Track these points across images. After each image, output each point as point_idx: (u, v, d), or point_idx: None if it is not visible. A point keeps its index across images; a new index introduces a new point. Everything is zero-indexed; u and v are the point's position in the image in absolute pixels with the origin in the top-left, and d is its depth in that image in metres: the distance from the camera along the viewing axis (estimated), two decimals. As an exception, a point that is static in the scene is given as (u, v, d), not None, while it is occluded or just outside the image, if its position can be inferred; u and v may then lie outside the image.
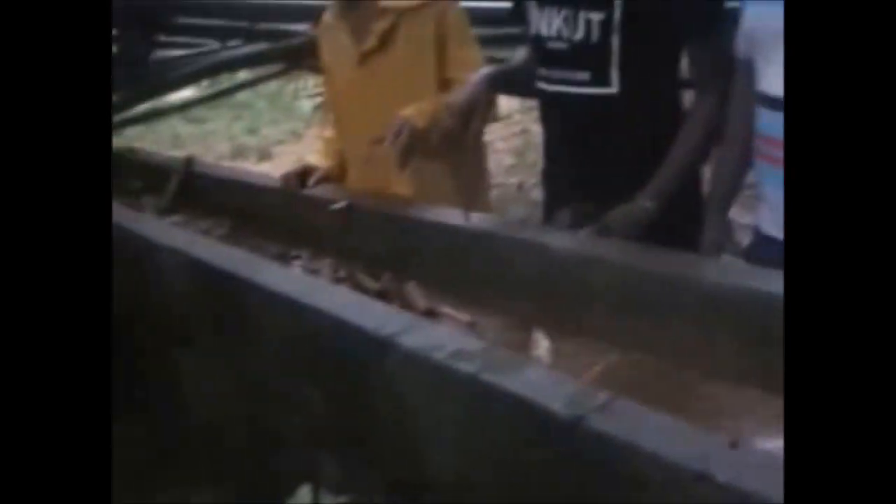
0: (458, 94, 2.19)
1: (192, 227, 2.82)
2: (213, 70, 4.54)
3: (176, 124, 9.60)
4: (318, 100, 9.56)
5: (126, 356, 2.52)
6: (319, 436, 1.79)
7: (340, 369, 1.67)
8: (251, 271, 1.97)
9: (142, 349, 2.38)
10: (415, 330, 1.54)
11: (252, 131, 10.17)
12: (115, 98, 4.43)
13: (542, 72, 2.23)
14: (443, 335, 1.52)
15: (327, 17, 2.81)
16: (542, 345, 1.79)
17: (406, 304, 2.03)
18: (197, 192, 3.14)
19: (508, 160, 7.16)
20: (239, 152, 9.24)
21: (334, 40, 2.75)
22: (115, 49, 4.95)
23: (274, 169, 7.99)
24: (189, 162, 3.21)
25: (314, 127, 9.39)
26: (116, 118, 4.65)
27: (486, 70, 2.28)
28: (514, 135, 7.76)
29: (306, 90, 10.31)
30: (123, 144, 5.22)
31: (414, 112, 2.36)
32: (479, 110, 2.16)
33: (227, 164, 7.52)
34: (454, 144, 2.24)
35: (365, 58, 2.65)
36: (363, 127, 2.64)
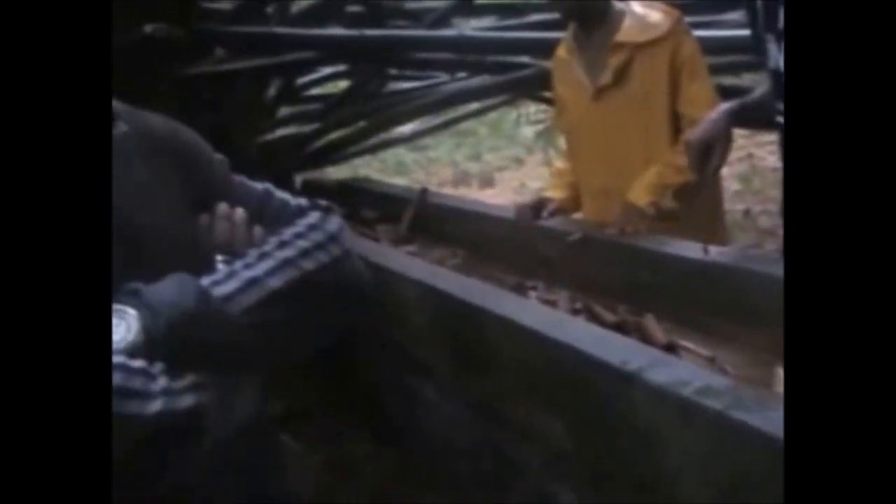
0: (698, 132, 2.17)
1: (427, 257, 2.91)
2: (444, 103, 4.67)
3: (400, 151, 9.88)
4: (541, 127, 9.65)
5: (370, 383, 2.63)
6: (558, 467, 1.81)
7: (582, 402, 1.69)
8: (490, 302, 2.02)
9: (383, 377, 2.47)
10: (660, 365, 1.54)
11: (474, 158, 10.35)
12: (348, 130, 4.62)
13: (782, 106, 2.19)
14: (689, 371, 1.52)
15: (561, 51, 2.85)
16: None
17: (645, 338, 2.03)
18: (431, 221, 3.23)
19: (734, 186, 7.01)
20: (461, 179, 9.42)
21: (569, 74, 2.79)
22: (348, 83, 5.17)
23: (496, 195, 8.15)
24: (424, 192, 3.32)
25: (537, 154, 9.54)
26: (350, 149, 4.85)
27: (725, 106, 2.26)
28: (738, 160, 7.60)
29: (528, 117, 10.42)
30: (352, 174, 5.46)
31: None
32: (718, 148, 2.14)
33: (449, 190, 7.71)
34: (690, 187, 2.23)
35: (600, 92, 2.67)
36: (597, 160, 2.66)
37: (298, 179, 4.32)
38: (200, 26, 3.78)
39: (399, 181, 7.59)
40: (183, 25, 3.59)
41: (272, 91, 4.67)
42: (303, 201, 1.35)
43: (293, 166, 4.38)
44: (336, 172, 5.30)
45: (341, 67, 5.08)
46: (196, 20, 3.78)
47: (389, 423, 2.51)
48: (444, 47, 4.13)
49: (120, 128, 1.25)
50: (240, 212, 1.30)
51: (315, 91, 5.41)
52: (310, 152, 4.59)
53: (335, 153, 4.77)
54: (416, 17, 4.74)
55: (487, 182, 9.22)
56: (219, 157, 1.39)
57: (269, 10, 4.26)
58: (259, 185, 1.38)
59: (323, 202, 1.35)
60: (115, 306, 1.07)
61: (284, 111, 5.13)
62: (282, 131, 4.90)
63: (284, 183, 1.49)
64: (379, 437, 2.42)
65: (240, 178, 1.38)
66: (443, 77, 4.85)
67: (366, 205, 3.58)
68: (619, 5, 2.69)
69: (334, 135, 4.60)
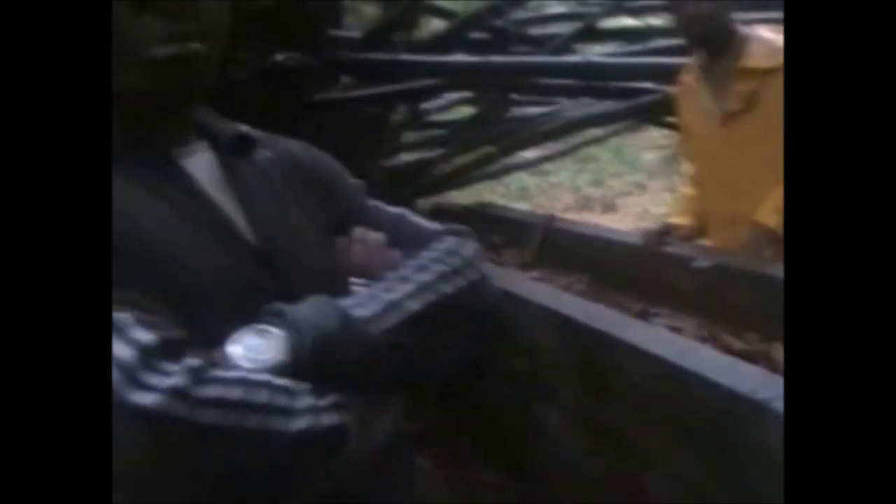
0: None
1: (552, 283, 2.92)
2: (568, 129, 4.67)
3: (523, 176, 9.90)
4: (664, 153, 9.56)
5: (492, 407, 2.64)
6: (687, 497, 1.80)
7: (711, 430, 1.67)
8: (616, 328, 2.02)
9: (507, 401, 2.49)
10: (791, 395, 1.52)
11: (596, 183, 10.30)
12: (472, 156, 4.66)
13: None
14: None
15: (686, 77, 2.83)
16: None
17: (773, 367, 2.00)
18: (556, 247, 3.24)
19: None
20: (583, 204, 9.39)
21: (695, 101, 2.77)
22: (472, 108, 5.22)
23: (619, 221, 8.09)
24: (550, 218, 3.33)
25: (660, 180, 9.44)
26: (475, 174, 4.89)
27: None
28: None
29: (651, 142, 10.34)
30: (475, 198, 5.50)
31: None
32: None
33: (571, 215, 7.69)
34: None
35: (727, 119, 2.65)
36: (725, 186, 2.63)
37: (423, 204, 4.38)
38: (329, 54, 3.87)
39: (521, 206, 7.61)
40: (312, 53, 3.69)
41: (397, 116, 4.74)
42: (439, 225, 1.37)
43: (417, 191, 4.44)
44: (459, 197, 5.35)
45: (465, 93, 5.13)
46: (324, 48, 3.87)
47: (512, 449, 2.52)
48: (569, 73, 4.14)
49: (262, 154, 1.31)
50: (376, 236, 1.33)
51: (439, 116, 5.48)
52: (434, 177, 4.65)
53: (460, 178, 4.82)
54: (539, 43, 4.76)
55: (610, 207, 9.17)
56: (356, 182, 1.43)
57: (396, 37, 4.34)
58: (395, 210, 1.41)
59: (460, 226, 1.37)
60: (260, 326, 1.11)
61: (409, 136, 5.21)
62: (406, 156, 4.98)
63: (409, 208, 1.53)
64: (501, 462, 2.44)
65: (375, 203, 1.42)
66: (567, 102, 4.86)
67: (491, 230, 3.61)
68: (744, 30, 2.66)
69: (459, 160, 4.65)
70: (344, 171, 1.43)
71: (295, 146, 1.40)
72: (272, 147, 1.34)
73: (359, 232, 1.33)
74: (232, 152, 1.29)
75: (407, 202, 3.82)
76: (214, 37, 1.11)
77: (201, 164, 1.24)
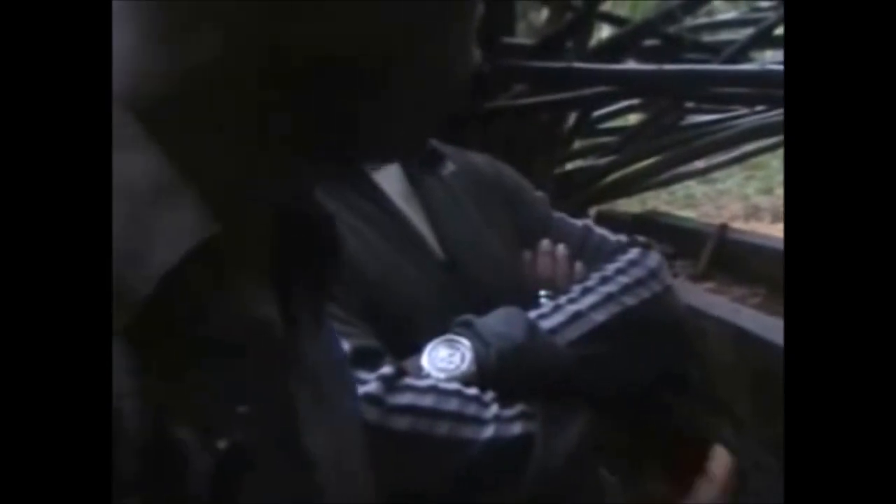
0: None
1: (727, 295, 2.88)
2: (742, 138, 4.59)
3: (690, 184, 9.71)
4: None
5: (665, 422, 2.62)
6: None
7: None
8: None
9: (680, 415, 2.46)
10: None
11: (766, 191, 10.00)
12: (644, 164, 4.62)
13: None
14: None
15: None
16: None
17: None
18: (730, 258, 3.19)
19: None
20: (752, 213, 9.15)
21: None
22: (643, 115, 5.17)
23: (790, 231, 7.81)
24: (724, 228, 3.29)
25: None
26: (645, 182, 4.85)
27: None
28: None
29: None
30: (641, 205, 5.44)
31: None
32: None
33: (739, 224, 7.51)
34: None
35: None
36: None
37: (592, 211, 4.37)
38: (502, 62, 3.91)
39: (688, 214, 7.48)
40: (486, 61, 3.72)
41: (568, 123, 4.75)
42: (623, 238, 1.39)
43: (588, 198, 4.43)
44: (625, 204, 5.31)
45: (635, 100, 5.09)
46: (497, 56, 3.91)
47: (686, 464, 2.50)
48: (744, 82, 4.06)
49: (448, 167, 1.34)
50: (561, 248, 1.36)
51: (609, 124, 5.45)
52: (605, 185, 4.63)
53: (630, 186, 4.79)
54: (713, 50, 4.68)
55: (779, 217, 8.90)
56: (540, 194, 1.46)
57: (569, 45, 4.34)
58: (579, 222, 1.44)
59: (642, 238, 1.38)
60: (449, 336, 1.16)
61: (579, 143, 5.20)
62: (577, 163, 4.97)
63: (580, 215, 1.54)
64: (675, 477, 2.41)
65: (560, 215, 1.44)
66: (741, 110, 4.76)
67: (662, 239, 3.58)
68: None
69: (630, 168, 4.62)
70: (528, 184, 1.46)
71: (479, 159, 1.44)
72: (457, 160, 1.38)
73: (544, 244, 1.36)
74: (419, 166, 1.33)
75: (579, 210, 3.82)
76: None
77: (389, 178, 1.29)
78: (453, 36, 0.61)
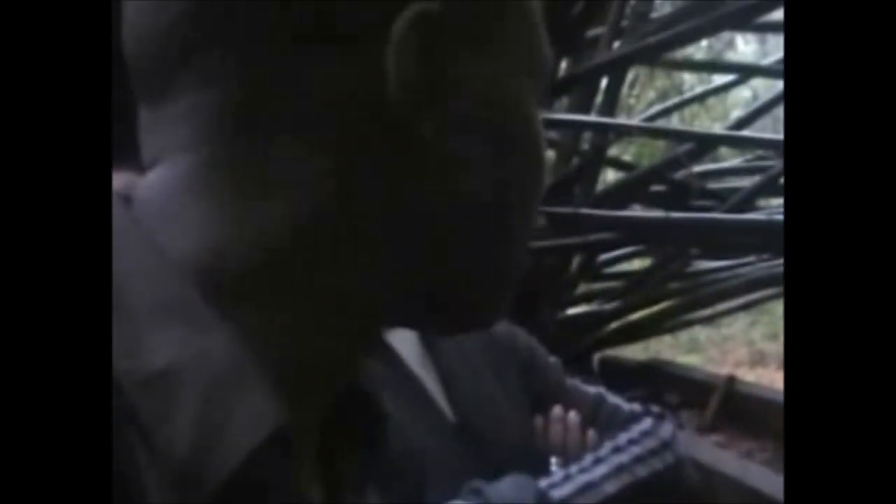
0: None
1: (735, 449, 2.82)
2: (749, 287, 4.58)
3: (694, 328, 9.71)
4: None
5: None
6: None
7: None
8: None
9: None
10: None
11: (772, 337, 9.95)
12: (649, 311, 4.60)
13: None
14: None
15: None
16: None
17: None
18: (738, 410, 3.14)
19: None
20: (757, 359, 9.09)
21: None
22: (649, 260, 5.18)
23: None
24: (731, 380, 3.24)
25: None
26: (650, 329, 4.82)
27: None
28: None
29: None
30: (643, 350, 5.40)
31: None
32: None
33: (745, 371, 7.45)
34: None
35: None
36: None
37: (596, 357, 4.33)
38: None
39: (692, 359, 7.44)
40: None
41: (573, 267, 4.75)
42: (636, 407, 1.37)
43: (591, 345, 4.40)
44: (628, 347, 5.27)
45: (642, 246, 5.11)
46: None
47: None
48: (750, 231, 4.08)
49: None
50: (573, 415, 1.33)
51: (615, 268, 5.46)
52: (609, 331, 4.61)
53: (635, 333, 4.76)
54: (720, 198, 4.71)
55: (786, 363, 8.84)
56: (553, 360, 1.44)
57: (576, 189, 4.38)
58: (592, 389, 1.42)
59: (656, 408, 1.37)
60: (460, 502, 1.12)
61: (584, 287, 5.19)
62: (581, 308, 4.95)
63: (583, 361, 1.50)
64: None
65: (573, 382, 1.43)
66: (748, 258, 4.77)
67: (667, 388, 3.54)
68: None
69: (635, 315, 4.60)
70: (542, 349, 1.45)
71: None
72: None
73: (556, 411, 1.34)
74: None
75: (582, 356, 3.78)
76: None
77: (403, 340, 1.27)
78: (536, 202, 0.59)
